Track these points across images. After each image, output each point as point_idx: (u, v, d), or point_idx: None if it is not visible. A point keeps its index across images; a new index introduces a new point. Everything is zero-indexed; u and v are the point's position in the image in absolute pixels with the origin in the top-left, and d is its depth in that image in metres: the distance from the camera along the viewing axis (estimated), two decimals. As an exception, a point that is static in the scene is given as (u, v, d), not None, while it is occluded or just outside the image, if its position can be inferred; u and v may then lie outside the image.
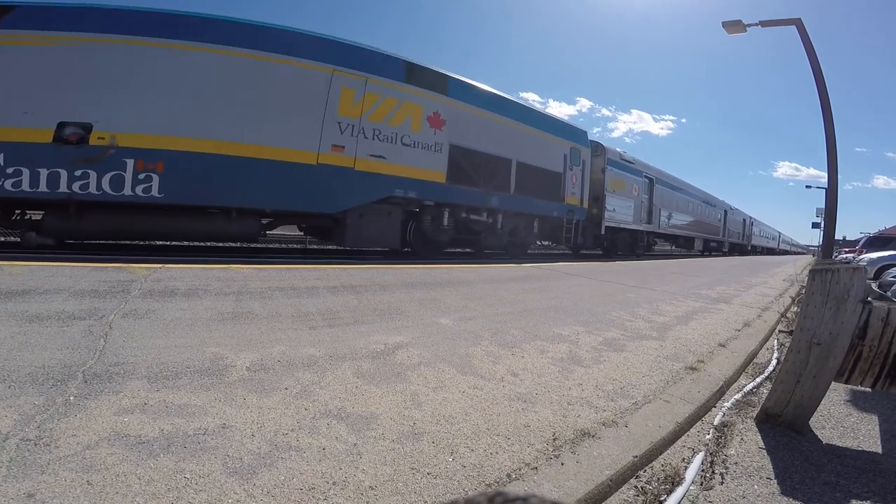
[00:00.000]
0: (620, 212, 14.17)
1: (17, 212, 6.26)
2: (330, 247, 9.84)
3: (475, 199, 9.30)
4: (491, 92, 9.85)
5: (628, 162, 15.05)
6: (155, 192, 5.94)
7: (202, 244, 8.05)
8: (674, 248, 22.30)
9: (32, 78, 5.53)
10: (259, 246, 9.65)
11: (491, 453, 1.55)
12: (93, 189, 5.67)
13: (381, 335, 2.83)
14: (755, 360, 3.41)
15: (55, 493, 1.08)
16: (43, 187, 5.49)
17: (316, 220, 7.85)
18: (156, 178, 5.93)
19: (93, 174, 5.67)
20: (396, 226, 8.21)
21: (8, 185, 5.35)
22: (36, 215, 6.23)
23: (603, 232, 13.34)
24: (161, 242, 8.04)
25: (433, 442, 1.57)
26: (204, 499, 1.10)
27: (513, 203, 10.02)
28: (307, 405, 1.78)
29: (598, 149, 13.54)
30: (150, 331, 2.53)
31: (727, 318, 4.52)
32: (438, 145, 8.54)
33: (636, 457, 1.68)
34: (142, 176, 5.87)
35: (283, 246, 10.83)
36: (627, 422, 1.94)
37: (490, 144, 9.48)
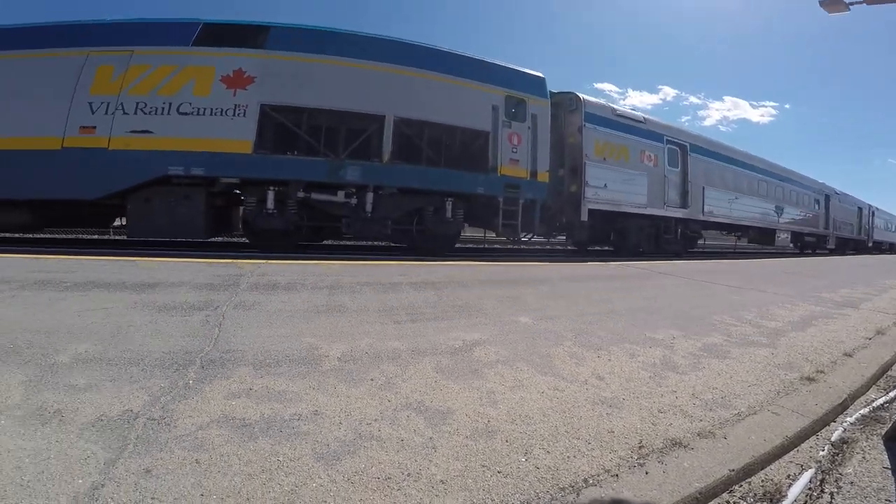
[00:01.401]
0: (618, 189, 10.11)
1: None
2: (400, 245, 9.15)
3: (315, 173, 7.29)
4: (348, 34, 7.92)
5: (631, 120, 10.82)
6: None
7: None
8: (739, 241, 17.35)
9: None
10: (349, 243, 9.95)
11: (568, 456, 1.51)
12: None
13: (459, 331, 2.87)
14: (889, 373, 2.94)
15: (168, 469, 1.24)
16: None
17: (71, 207, 7.11)
18: None
19: None
20: (198, 212, 6.93)
21: None
22: None
23: (584, 217, 9.49)
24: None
25: (507, 440, 1.57)
26: (292, 482, 1.21)
27: (389, 176, 7.63)
28: (389, 397, 1.86)
29: (570, 101, 9.99)
30: (255, 321, 2.80)
31: (854, 324, 3.95)
32: (240, 108, 6.93)
33: (732, 471, 1.54)
34: None
35: (370, 244, 11.11)
36: (727, 433, 1.78)
37: (342, 98, 7.41)
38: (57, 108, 6.60)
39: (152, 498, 1.10)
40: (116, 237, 9.37)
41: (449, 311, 3.39)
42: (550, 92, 9.49)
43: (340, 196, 7.41)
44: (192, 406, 1.65)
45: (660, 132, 11.46)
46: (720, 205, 13.17)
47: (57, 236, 9.36)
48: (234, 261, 4.86)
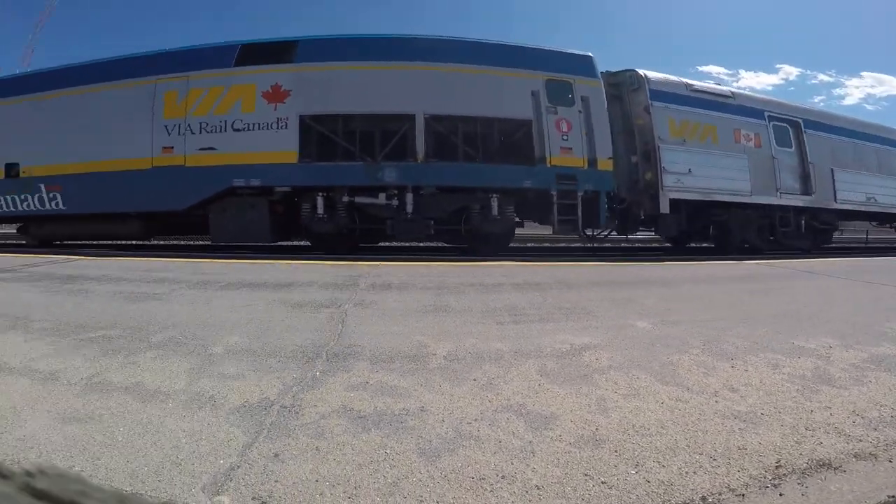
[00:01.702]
0: (708, 174, 8.66)
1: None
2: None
3: (355, 177, 7.54)
4: (371, 38, 8.13)
5: (713, 95, 9.32)
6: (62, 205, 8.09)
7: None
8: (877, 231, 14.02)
9: None
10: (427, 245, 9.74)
11: (686, 472, 1.40)
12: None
13: (567, 334, 2.79)
14: None
15: (293, 454, 1.40)
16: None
17: (168, 217, 8.20)
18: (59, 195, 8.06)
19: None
20: (264, 219, 7.63)
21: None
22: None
23: (664, 209, 8.32)
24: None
25: (615, 451, 1.50)
26: (395, 474, 1.30)
27: (425, 175, 7.58)
28: (491, 397, 1.89)
29: (632, 79, 8.89)
30: (372, 318, 3.03)
31: None
32: (282, 121, 7.46)
33: (892, 497, 1.30)
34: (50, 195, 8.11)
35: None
36: (892, 456, 1.51)
37: (372, 101, 7.55)
38: (144, 132, 7.81)
39: (275, 481, 1.25)
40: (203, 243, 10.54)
41: (555, 313, 3.32)
42: (609, 72, 8.89)
43: (382, 198, 7.57)
44: (317, 396, 1.85)
45: (757, 108, 9.64)
46: (858, 189, 10.54)
47: (168, 242, 10.94)
48: (353, 263, 5.31)
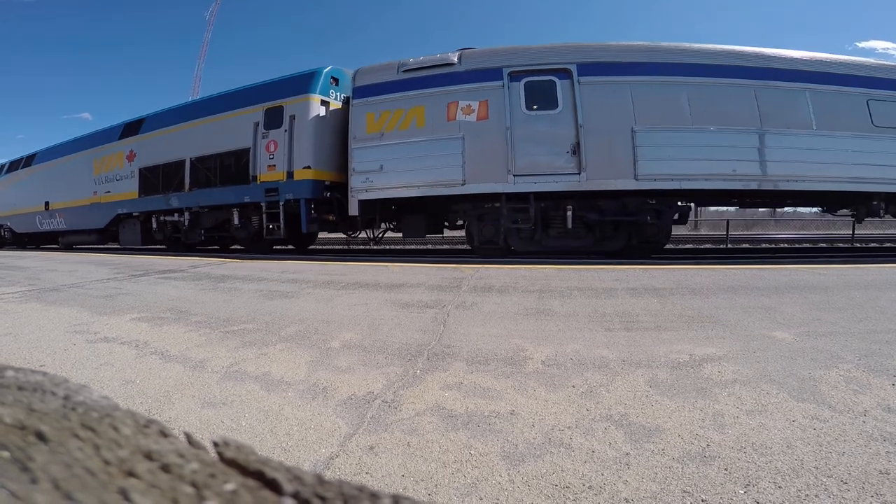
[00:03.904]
0: (403, 167, 7.59)
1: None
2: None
3: (160, 204, 10.99)
4: (174, 108, 11.38)
5: (431, 68, 7.70)
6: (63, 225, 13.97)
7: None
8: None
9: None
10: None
11: (806, 495, 1.21)
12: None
13: (686, 344, 2.55)
14: None
15: (386, 448, 1.49)
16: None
17: (101, 231, 12.81)
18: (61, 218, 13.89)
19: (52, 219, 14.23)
20: (137, 231, 11.74)
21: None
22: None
23: (353, 212, 8.01)
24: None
25: (725, 469, 1.35)
26: (475, 475, 1.31)
27: (190, 199, 10.45)
28: (589, 406, 1.81)
29: (337, 82, 9.06)
30: (472, 320, 3.08)
31: None
32: (132, 173, 11.55)
33: None
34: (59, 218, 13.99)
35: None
36: None
37: (169, 153, 10.82)
38: (88, 183, 13.03)
39: (366, 473, 1.34)
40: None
41: (674, 320, 3.05)
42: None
43: (176, 217, 10.92)
44: (415, 393, 1.94)
45: (494, 65, 7.47)
46: (705, 156, 6.96)
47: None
48: (458, 266, 5.44)
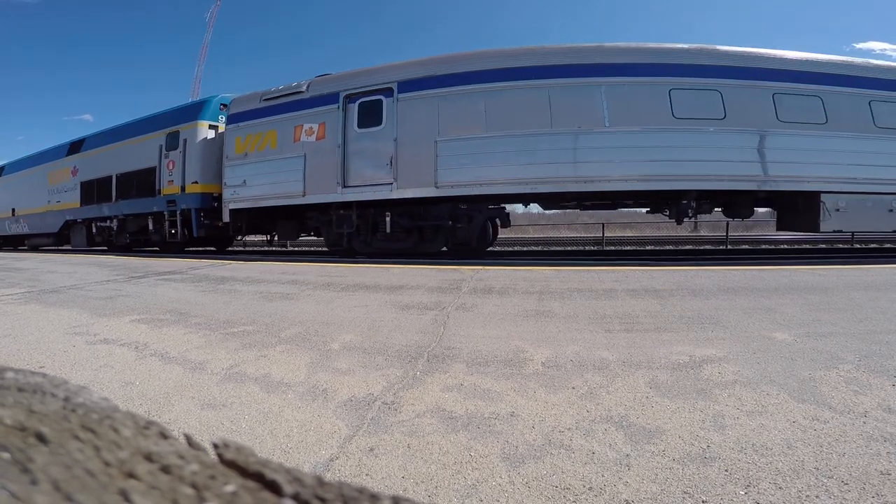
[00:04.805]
0: (260, 181, 9.04)
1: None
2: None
3: (98, 212, 12.62)
4: (107, 130, 12.97)
5: (282, 98, 8.97)
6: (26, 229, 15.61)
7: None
8: None
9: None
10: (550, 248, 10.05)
11: (807, 496, 1.22)
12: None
13: (686, 345, 2.55)
14: None
15: (386, 450, 1.49)
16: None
17: (56, 234, 14.54)
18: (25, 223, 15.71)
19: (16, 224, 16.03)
20: (83, 235, 13.36)
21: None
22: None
23: (226, 218, 9.75)
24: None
25: (726, 470, 1.35)
26: (475, 477, 1.31)
27: (117, 208, 12.12)
28: (589, 407, 1.81)
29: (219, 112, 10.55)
30: (473, 322, 3.08)
31: None
32: (75, 185, 13.26)
33: None
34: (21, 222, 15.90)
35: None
36: None
37: (101, 169, 12.42)
38: (43, 193, 15.12)
39: (366, 475, 1.34)
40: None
41: (674, 321, 3.05)
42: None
43: (108, 223, 12.52)
44: (415, 395, 1.94)
45: (332, 91, 8.44)
46: (495, 164, 7.20)
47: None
48: (458, 267, 5.44)
